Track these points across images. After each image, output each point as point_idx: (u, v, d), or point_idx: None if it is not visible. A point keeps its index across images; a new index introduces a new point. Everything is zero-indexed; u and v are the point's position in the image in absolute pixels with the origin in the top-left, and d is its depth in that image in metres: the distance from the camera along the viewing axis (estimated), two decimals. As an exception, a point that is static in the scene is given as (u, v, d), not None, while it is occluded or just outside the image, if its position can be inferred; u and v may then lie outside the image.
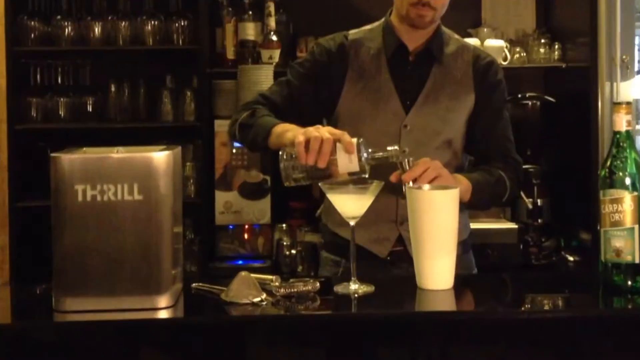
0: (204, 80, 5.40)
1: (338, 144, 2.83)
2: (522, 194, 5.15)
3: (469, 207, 3.38)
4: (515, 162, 3.42)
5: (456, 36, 3.54)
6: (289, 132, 3.01)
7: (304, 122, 3.05)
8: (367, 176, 2.85)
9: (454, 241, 2.74)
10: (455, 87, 3.40)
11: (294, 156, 2.86)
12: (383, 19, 3.49)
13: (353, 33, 3.51)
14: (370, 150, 2.86)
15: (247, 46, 5.47)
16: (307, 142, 2.81)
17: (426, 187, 2.80)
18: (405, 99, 3.38)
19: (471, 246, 3.59)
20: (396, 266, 3.31)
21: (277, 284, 2.66)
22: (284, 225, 5.34)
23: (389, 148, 2.89)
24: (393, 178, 2.92)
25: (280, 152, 2.92)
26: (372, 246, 3.38)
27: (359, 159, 2.84)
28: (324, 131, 2.84)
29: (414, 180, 2.86)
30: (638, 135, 5.06)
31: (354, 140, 2.84)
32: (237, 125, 3.35)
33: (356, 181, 2.85)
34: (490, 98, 3.44)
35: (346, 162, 2.83)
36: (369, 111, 3.37)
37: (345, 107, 3.41)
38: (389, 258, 3.38)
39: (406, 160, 2.88)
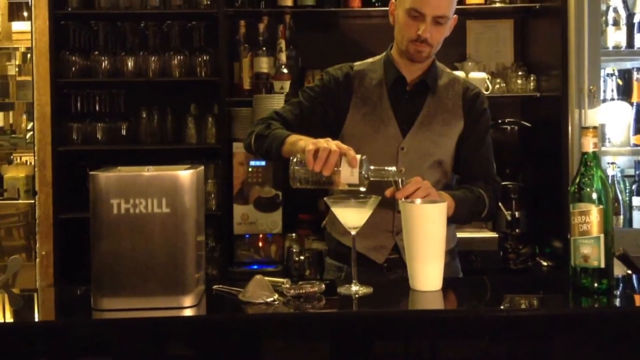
0: (223, 108, 5.39)
1: (343, 157, 2.83)
2: (502, 207, 5.14)
3: (451, 222, 3.36)
4: (495, 183, 3.43)
5: (447, 70, 3.55)
6: (302, 140, 3.01)
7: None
8: (364, 189, 2.86)
9: (442, 248, 2.74)
10: (447, 115, 3.41)
11: (303, 162, 2.86)
12: (385, 53, 3.49)
13: (358, 64, 3.51)
14: (371, 167, 2.87)
15: (261, 78, 5.48)
16: (317, 151, 2.82)
17: (418, 201, 2.80)
18: (402, 124, 3.38)
19: (457, 253, 3.59)
20: (392, 272, 3.31)
21: (287, 286, 2.66)
22: (293, 234, 5.34)
23: (387, 168, 2.90)
24: (387, 193, 2.93)
25: (291, 157, 2.92)
26: (371, 253, 3.38)
27: (360, 174, 2.84)
28: (332, 144, 2.84)
29: (406, 197, 2.87)
30: (603, 156, 5.07)
31: (358, 156, 2.85)
32: (252, 137, 3.35)
33: (356, 195, 2.85)
34: (476, 125, 3.44)
35: (348, 175, 2.84)
36: (370, 134, 3.37)
37: (349, 129, 3.41)
38: (385, 264, 3.37)
39: (399, 179, 2.89)
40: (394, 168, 2.92)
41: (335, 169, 2.83)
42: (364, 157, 2.86)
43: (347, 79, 3.46)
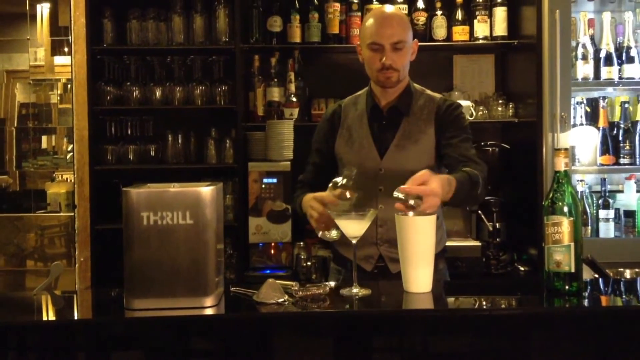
0: (239, 132, 5.39)
1: (328, 205, 3.01)
2: (484, 218, 5.15)
3: (451, 203, 3.21)
4: (480, 167, 3.29)
5: (428, 92, 3.53)
6: (305, 209, 3.24)
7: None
8: (350, 196, 2.98)
9: (431, 255, 2.74)
10: (420, 134, 3.39)
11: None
12: (368, 86, 3.55)
13: (346, 100, 3.62)
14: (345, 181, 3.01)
15: (273, 106, 5.48)
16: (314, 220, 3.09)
17: (410, 214, 2.79)
18: (380, 148, 3.41)
19: (445, 259, 3.59)
20: (380, 278, 3.32)
21: (296, 288, 2.66)
22: (301, 243, 5.33)
23: (345, 172, 3.07)
24: (398, 207, 2.87)
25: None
26: (361, 262, 3.39)
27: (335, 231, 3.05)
28: (313, 211, 3.09)
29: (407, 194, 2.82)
30: (573, 174, 5.07)
31: (335, 191, 3.02)
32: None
33: (356, 209, 2.86)
34: (449, 126, 3.39)
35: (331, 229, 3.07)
36: (354, 157, 3.41)
37: (339, 154, 3.50)
38: (375, 271, 3.39)
39: (400, 195, 2.86)
40: (347, 170, 3.06)
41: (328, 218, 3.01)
42: (342, 178, 3.05)
43: (335, 116, 3.59)
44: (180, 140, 5.58)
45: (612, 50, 5.14)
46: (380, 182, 3.34)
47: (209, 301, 2.49)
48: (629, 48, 5.14)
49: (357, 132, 3.46)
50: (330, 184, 3.03)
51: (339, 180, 2.99)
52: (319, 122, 3.70)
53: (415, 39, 3.44)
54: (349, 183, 2.96)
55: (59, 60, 7.55)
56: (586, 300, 2.67)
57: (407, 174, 3.05)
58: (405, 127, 3.41)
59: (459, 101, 3.89)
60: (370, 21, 3.38)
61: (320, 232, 3.10)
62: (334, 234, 3.06)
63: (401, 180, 2.91)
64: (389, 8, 3.48)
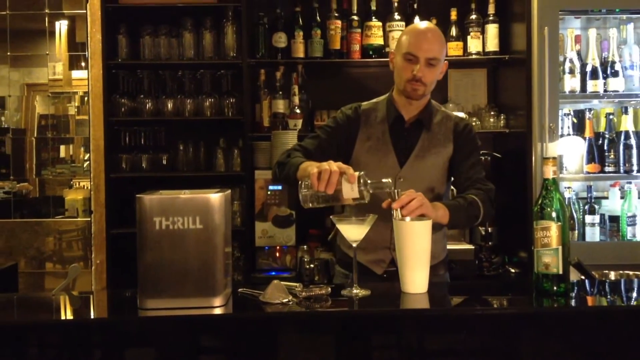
0: (246, 142, 5.40)
1: (343, 176, 2.82)
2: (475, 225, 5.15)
3: (450, 227, 3.33)
4: (487, 189, 3.34)
5: (442, 108, 3.55)
6: (310, 166, 2.99)
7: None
8: (366, 202, 2.85)
9: (427, 258, 2.74)
10: (439, 148, 3.40)
11: (309, 185, 2.85)
12: (387, 94, 3.51)
13: (365, 104, 3.53)
14: (369, 181, 2.86)
15: (278, 117, 5.48)
16: (320, 173, 2.81)
17: (407, 219, 2.80)
18: (400, 156, 3.39)
19: (446, 266, 3.57)
20: (390, 282, 3.30)
21: (300, 289, 2.66)
22: (305, 246, 5.32)
23: (383, 180, 2.88)
24: (384, 205, 2.91)
25: (299, 182, 2.91)
26: (371, 265, 3.38)
27: (359, 189, 2.82)
28: (333, 165, 2.83)
29: (402, 207, 2.85)
30: (561, 182, 5.07)
31: (356, 173, 2.84)
32: (276, 165, 3.36)
33: (357, 214, 2.86)
34: (464, 145, 3.42)
35: (349, 190, 2.82)
36: (373, 163, 3.37)
37: (356, 159, 3.42)
38: (385, 275, 3.37)
39: (395, 191, 2.87)
40: (389, 180, 2.89)
41: (338, 187, 2.83)
42: (362, 173, 2.84)
43: (356, 116, 3.48)
44: (190, 150, 5.59)
45: (597, 64, 5.15)
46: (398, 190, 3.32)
47: (217, 301, 2.49)
48: (613, 63, 5.14)
49: (379, 139, 3.42)
50: (361, 172, 2.88)
51: (370, 180, 2.88)
52: (334, 117, 3.54)
53: (446, 61, 3.42)
54: (377, 190, 2.91)
55: (76, 74, 7.54)
56: (573, 300, 2.67)
57: (423, 183, 3.04)
58: (424, 139, 3.41)
59: (453, 112, 3.89)
60: (410, 32, 3.36)
61: (310, 194, 2.88)
62: (349, 190, 2.83)
63: (416, 189, 2.93)
64: (429, 24, 3.42)
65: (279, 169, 3.33)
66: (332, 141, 3.45)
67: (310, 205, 2.89)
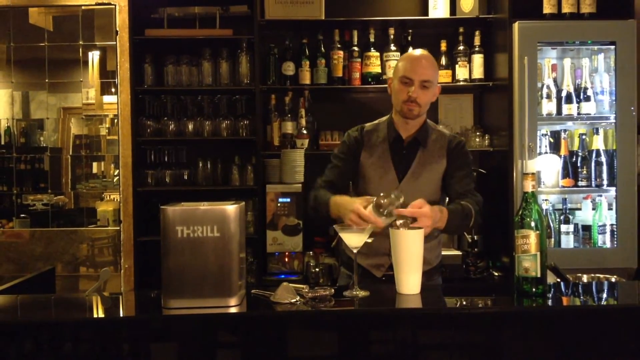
0: (259, 159, 5.40)
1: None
2: (464, 231, 5.14)
3: (445, 231, 3.32)
4: (476, 199, 3.34)
5: (438, 127, 3.55)
6: (341, 208, 3.14)
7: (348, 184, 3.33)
8: (392, 221, 2.88)
9: (420, 262, 2.74)
10: (434, 164, 3.40)
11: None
12: (388, 115, 3.52)
13: (368, 125, 3.55)
14: (384, 205, 2.90)
15: (287, 137, 5.49)
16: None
17: (402, 229, 2.80)
18: (399, 173, 3.39)
19: (440, 272, 3.57)
20: (388, 284, 3.30)
21: (306, 290, 2.66)
22: (311, 252, 5.32)
23: (392, 195, 2.91)
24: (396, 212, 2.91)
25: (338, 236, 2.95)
26: (372, 269, 3.38)
27: (380, 217, 2.91)
28: (354, 216, 2.93)
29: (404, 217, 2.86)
30: (539, 195, 5.06)
31: (370, 206, 2.95)
32: (310, 206, 3.47)
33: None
34: (456, 159, 3.42)
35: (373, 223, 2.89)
36: (375, 179, 3.39)
37: (361, 174, 3.44)
38: (383, 278, 3.37)
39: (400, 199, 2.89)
40: (398, 192, 2.93)
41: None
42: (373, 202, 2.94)
43: (360, 137, 3.50)
44: (209, 166, 5.60)
45: (572, 90, 5.15)
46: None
47: (233, 301, 2.49)
48: (586, 89, 5.15)
49: (380, 157, 3.43)
50: (374, 202, 2.94)
51: (385, 205, 2.91)
52: (343, 141, 3.57)
53: (439, 85, 3.43)
54: (392, 207, 2.90)
55: (107, 99, 7.56)
56: (550, 300, 2.66)
57: (420, 196, 3.05)
58: (421, 157, 3.41)
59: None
60: (406, 58, 3.38)
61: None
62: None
63: (413, 201, 2.94)
64: (423, 51, 3.42)
65: (312, 209, 3.45)
66: (347, 166, 3.49)
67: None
